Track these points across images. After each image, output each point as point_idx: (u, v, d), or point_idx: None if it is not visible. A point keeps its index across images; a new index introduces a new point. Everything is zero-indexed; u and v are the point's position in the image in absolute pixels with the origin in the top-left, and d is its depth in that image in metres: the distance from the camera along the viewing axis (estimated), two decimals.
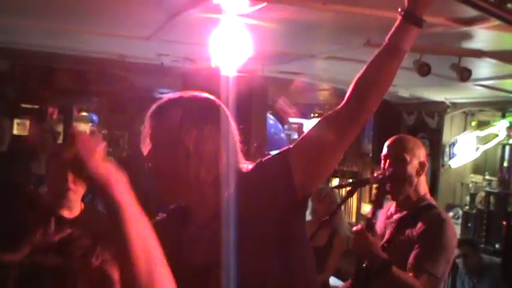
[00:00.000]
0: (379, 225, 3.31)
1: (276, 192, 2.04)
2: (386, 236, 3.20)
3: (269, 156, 2.17)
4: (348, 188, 3.20)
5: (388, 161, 3.16)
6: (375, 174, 3.22)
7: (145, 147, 2.12)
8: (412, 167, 3.13)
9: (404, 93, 8.16)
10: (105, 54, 7.21)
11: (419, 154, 3.18)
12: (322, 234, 4.93)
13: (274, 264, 2.02)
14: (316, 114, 11.50)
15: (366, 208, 9.72)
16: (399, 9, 2.07)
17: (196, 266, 2.07)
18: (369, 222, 2.95)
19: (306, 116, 12.25)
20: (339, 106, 2.04)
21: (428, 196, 3.26)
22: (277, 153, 2.13)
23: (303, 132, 12.72)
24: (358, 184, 3.31)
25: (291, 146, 2.11)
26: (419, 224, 3.05)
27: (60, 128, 10.67)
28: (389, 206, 3.33)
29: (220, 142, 2.08)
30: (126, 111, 10.57)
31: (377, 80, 1.99)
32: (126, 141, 10.59)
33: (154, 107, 2.15)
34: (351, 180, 3.47)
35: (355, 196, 9.98)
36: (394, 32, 2.05)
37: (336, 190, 5.98)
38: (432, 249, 2.98)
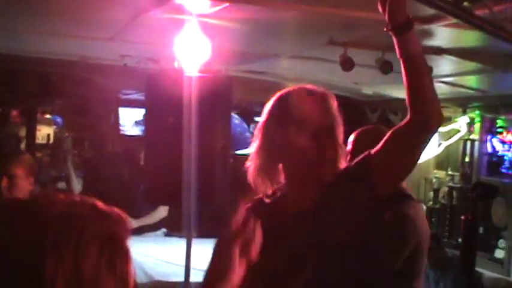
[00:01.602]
0: None
1: (358, 194, 2.16)
2: None
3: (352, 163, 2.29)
4: None
5: (349, 154, 3.16)
6: None
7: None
8: None
9: (367, 90, 8.25)
10: (68, 55, 7.15)
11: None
12: None
13: (351, 270, 2.09)
14: None
15: None
16: (385, 29, 2.12)
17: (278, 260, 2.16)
18: None
19: None
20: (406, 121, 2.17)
21: (403, 185, 3.21)
22: (360, 158, 2.27)
23: None
24: None
25: (372, 152, 2.22)
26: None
27: (23, 131, 10.54)
28: None
29: None
30: (91, 113, 10.49)
31: (417, 90, 2.04)
32: (90, 143, 10.50)
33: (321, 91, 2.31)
34: None
35: None
36: (398, 47, 2.10)
37: None
38: (389, 244, 2.98)
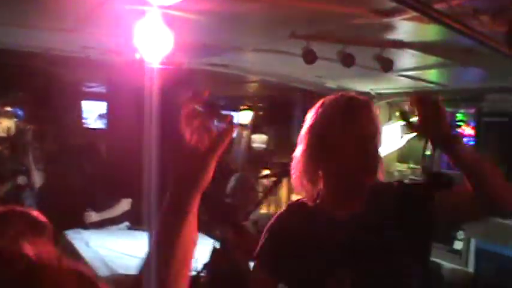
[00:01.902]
0: None
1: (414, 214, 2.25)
2: None
3: (412, 183, 2.43)
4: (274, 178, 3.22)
5: None
6: None
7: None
8: None
9: (331, 84, 8.28)
10: (29, 47, 7.05)
11: None
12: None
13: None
14: (246, 107, 11.54)
15: (295, 198, 9.83)
16: (431, 144, 2.19)
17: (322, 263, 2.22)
18: (236, 227, 2.96)
19: (235, 108, 12.27)
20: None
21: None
22: (421, 184, 2.51)
23: (233, 123, 12.78)
24: (283, 174, 3.32)
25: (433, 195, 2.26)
26: None
27: None
28: None
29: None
30: (53, 105, 10.38)
31: (484, 191, 2.17)
32: (52, 136, 10.39)
33: (366, 101, 2.36)
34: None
35: (284, 187, 10.08)
36: (451, 160, 2.15)
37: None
38: None
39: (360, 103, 2.27)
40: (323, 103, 2.30)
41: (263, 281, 2.35)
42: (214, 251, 4.50)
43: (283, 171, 3.30)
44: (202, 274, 4.64)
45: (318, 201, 2.27)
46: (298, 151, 2.27)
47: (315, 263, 2.21)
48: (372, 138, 2.21)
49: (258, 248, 2.41)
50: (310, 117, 2.31)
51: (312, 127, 2.25)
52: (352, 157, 2.17)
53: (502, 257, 5.99)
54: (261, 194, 8.42)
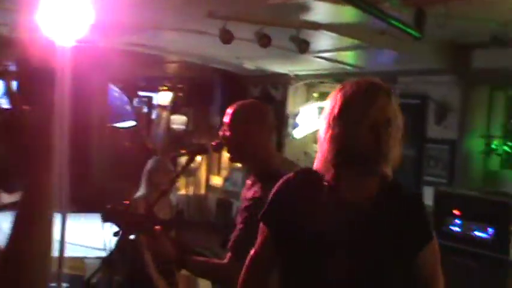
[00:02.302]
0: (241, 197, 3.30)
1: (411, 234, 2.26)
2: (241, 217, 3.18)
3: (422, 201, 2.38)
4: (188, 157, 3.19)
5: (226, 127, 3.17)
6: (213, 143, 3.23)
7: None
8: (250, 134, 3.13)
9: (249, 65, 8.32)
10: None
11: (260, 120, 3.16)
12: (164, 207, 4.91)
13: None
14: (165, 88, 11.44)
15: (215, 180, 9.86)
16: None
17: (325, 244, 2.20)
18: (149, 232, 2.94)
19: (154, 89, 12.15)
20: None
21: (275, 161, 3.14)
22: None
23: (152, 105, 12.67)
24: (195, 152, 3.30)
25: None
26: (251, 193, 3.04)
27: None
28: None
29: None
30: None
31: None
32: None
33: (384, 87, 2.26)
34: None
35: (203, 168, 10.09)
36: None
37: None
38: (251, 228, 2.81)
39: (377, 88, 2.25)
40: (342, 88, 2.28)
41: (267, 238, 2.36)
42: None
43: (196, 150, 3.28)
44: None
45: (331, 180, 2.25)
46: (322, 133, 2.27)
47: (316, 238, 2.19)
48: (386, 124, 2.19)
49: (264, 208, 2.40)
50: (329, 102, 2.28)
51: (329, 113, 2.24)
52: (365, 142, 2.16)
53: None
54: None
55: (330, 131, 2.21)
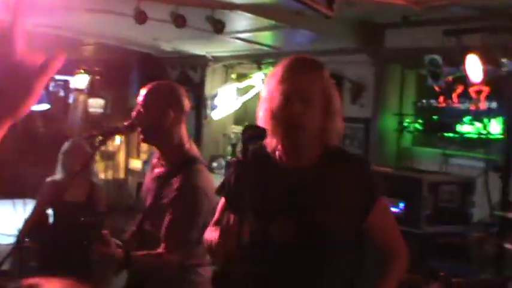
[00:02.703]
0: (146, 179, 3.29)
1: (355, 198, 2.29)
2: (148, 191, 3.18)
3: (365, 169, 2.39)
4: (100, 138, 3.14)
5: (139, 107, 3.14)
6: (125, 123, 3.19)
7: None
8: (156, 116, 3.11)
9: (166, 47, 8.26)
10: None
11: (174, 101, 3.15)
12: (79, 189, 4.82)
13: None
14: (82, 71, 11.22)
15: (135, 163, 9.77)
16: None
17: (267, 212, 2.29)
18: (98, 237, 2.91)
19: (71, 72, 11.90)
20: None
21: (187, 148, 3.16)
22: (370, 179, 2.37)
23: (69, 89, 12.40)
24: (108, 133, 3.25)
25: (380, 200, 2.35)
26: (175, 183, 3.02)
27: None
28: (156, 155, 3.31)
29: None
30: None
31: None
32: None
33: (309, 62, 2.30)
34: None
35: (122, 151, 9.98)
36: None
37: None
38: (183, 217, 2.97)
39: (302, 63, 2.30)
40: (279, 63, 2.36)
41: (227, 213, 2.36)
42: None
43: (109, 130, 3.23)
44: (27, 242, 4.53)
45: (276, 150, 2.32)
46: (262, 104, 2.36)
47: (263, 205, 2.28)
48: (299, 97, 2.23)
49: (223, 180, 2.50)
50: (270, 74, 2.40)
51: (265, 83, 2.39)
52: (278, 114, 2.24)
53: None
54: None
55: (266, 104, 2.30)
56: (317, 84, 2.27)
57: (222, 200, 2.49)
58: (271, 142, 2.32)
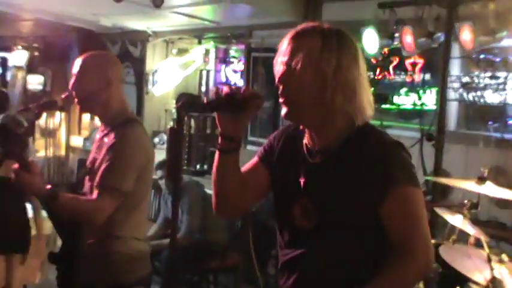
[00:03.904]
0: (94, 145, 3.31)
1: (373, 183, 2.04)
2: (90, 157, 3.22)
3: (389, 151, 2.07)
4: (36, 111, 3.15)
5: (76, 77, 3.16)
6: (62, 95, 3.21)
7: (278, 67, 2.09)
8: (93, 84, 3.12)
9: (106, 22, 8.18)
10: None
11: (102, 70, 3.16)
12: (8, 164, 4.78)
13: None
14: (20, 47, 11.02)
15: (76, 140, 9.68)
16: None
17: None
18: (22, 162, 2.90)
19: (8, 49, 11.67)
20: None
21: (128, 111, 3.24)
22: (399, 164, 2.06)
23: (7, 66, 12.17)
24: (45, 106, 3.25)
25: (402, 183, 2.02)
26: (111, 137, 3.06)
27: None
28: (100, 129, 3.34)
29: (357, 75, 2.05)
30: None
31: None
32: None
33: (295, 31, 2.08)
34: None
35: (63, 127, 9.87)
36: None
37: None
38: (115, 164, 2.99)
39: (295, 30, 2.08)
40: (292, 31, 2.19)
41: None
42: None
43: (44, 103, 3.23)
44: None
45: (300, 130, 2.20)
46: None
47: (288, 185, 2.18)
48: (288, 67, 2.09)
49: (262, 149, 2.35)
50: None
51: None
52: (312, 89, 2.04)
53: None
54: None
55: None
56: (304, 51, 2.04)
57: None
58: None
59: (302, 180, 2.15)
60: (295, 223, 2.15)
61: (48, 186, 2.88)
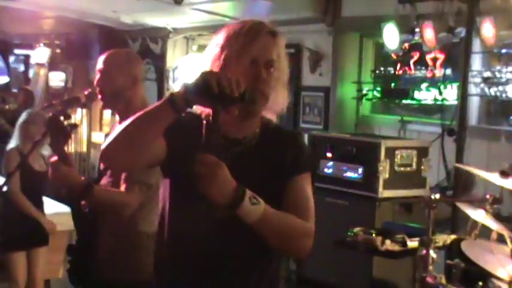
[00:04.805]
0: None
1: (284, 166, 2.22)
2: None
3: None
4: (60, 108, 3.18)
5: (98, 76, 3.19)
6: (85, 92, 3.24)
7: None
8: (119, 81, 3.16)
9: (127, 19, 8.23)
10: None
11: (128, 68, 3.22)
12: (39, 159, 4.87)
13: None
14: (42, 45, 11.12)
15: (97, 136, 9.75)
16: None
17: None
18: (62, 154, 2.93)
19: (31, 46, 11.79)
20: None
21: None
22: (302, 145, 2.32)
23: (29, 63, 12.27)
24: (68, 102, 3.29)
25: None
26: None
27: None
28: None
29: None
30: None
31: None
32: None
33: (269, 27, 2.17)
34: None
35: (84, 123, 9.96)
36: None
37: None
38: None
39: (264, 28, 2.19)
40: (229, 27, 2.18)
41: None
42: None
43: (68, 100, 3.27)
44: None
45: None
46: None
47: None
48: (266, 64, 2.15)
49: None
50: (217, 41, 2.18)
51: (214, 48, 2.15)
52: (244, 76, 2.04)
53: None
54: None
55: (224, 67, 2.13)
56: (276, 50, 2.16)
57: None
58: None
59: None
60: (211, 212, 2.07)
61: (83, 178, 2.93)
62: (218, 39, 2.20)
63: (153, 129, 2.02)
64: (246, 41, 2.15)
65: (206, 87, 1.90)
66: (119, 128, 2.04)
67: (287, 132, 2.37)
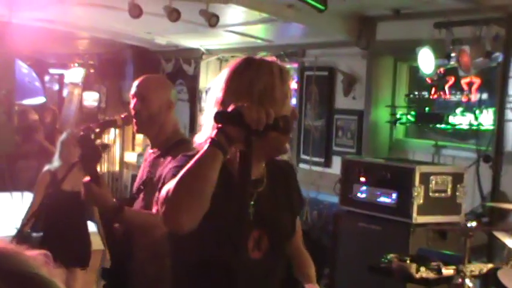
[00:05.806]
0: (141, 170, 3.37)
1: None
2: (141, 178, 3.28)
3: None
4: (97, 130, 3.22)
5: (134, 100, 3.23)
6: (122, 115, 3.28)
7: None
8: (156, 106, 3.20)
9: (161, 40, 8.30)
10: None
11: (164, 93, 3.26)
12: (78, 179, 4.88)
13: None
14: (77, 64, 11.26)
15: (130, 156, 9.82)
16: None
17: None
18: (94, 174, 2.94)
19: (65, 66, 11.93)
20: None
21: (180, 132, 3.38)
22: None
23: (64, 83, 12.42)
24: (105, 125, 3.33)
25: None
26: (168, 160, 3.09)
27: None
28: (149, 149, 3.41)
29: None
30: None
31: None
32: None
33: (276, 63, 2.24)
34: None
35: (117, 143, 10.03)
36: None
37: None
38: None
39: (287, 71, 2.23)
40: (246, 64, 2.19)
41: None
42: None
43: (105, 123, 3.32)
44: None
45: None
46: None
47: (233, 224, 1.94)
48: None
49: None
50: (226, 77, 2.13)
51: (235, 90, 2.11)
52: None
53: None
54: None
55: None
56: None
57: None
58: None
59: (251, 211, 2.15)
60: (247, 255, 2.09)
61: (114, 200, 2.95)
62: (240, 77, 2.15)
63: (209, 179, 1.96)
64: (282, 79, 2.15)
65: (240, 116, 1.89)
66: (171, 190, 1.97)
67: (282, 163, 2.41)
